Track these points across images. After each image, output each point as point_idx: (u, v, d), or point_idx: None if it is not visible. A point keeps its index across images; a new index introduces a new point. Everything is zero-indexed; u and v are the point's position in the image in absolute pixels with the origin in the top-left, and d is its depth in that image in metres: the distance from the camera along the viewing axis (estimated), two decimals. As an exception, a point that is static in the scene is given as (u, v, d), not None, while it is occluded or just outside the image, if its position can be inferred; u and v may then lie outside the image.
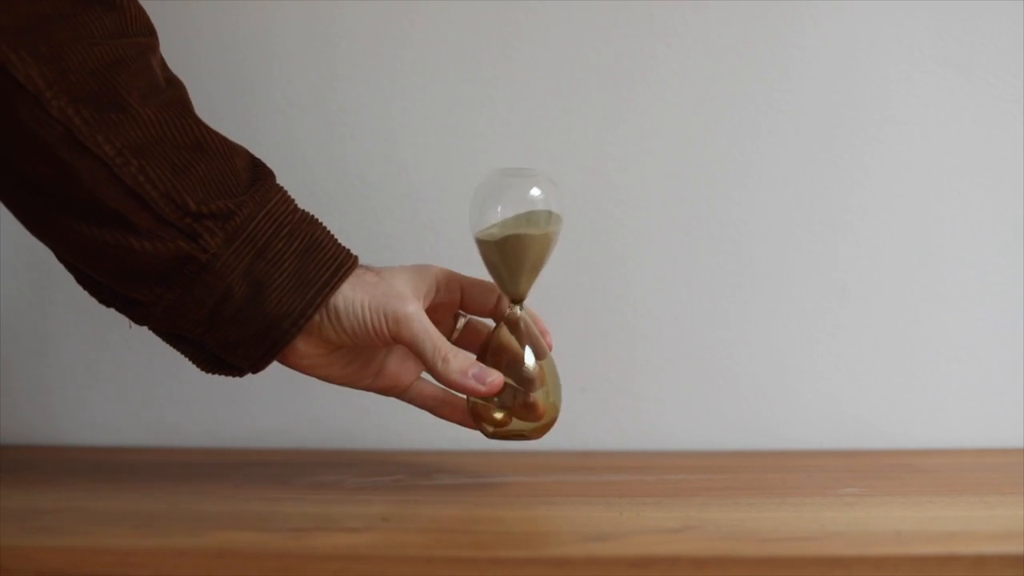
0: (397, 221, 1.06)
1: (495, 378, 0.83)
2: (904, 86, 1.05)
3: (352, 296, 0.82)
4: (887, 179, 1.05)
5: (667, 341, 1.06)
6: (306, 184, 1.06)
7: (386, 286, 0.83)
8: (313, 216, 0.84)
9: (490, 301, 0.89)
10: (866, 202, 1.05)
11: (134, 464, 0.99)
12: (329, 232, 0.84)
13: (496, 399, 0.84)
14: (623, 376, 1.06)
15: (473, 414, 0.86)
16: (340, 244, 0.84)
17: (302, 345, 0.83)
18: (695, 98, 1.05)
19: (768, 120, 1.05)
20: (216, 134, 0.82)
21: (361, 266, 0.84)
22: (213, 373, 0.85)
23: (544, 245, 0.85)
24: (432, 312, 0.87)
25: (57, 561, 0.70)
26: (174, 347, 0.85)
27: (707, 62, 1.05)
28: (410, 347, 0.83)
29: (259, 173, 0.84)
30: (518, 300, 0.86)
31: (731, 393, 1.06)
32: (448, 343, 0.83)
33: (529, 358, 0.85)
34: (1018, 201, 1.05)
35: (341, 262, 0.83)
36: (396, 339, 0.83)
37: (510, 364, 0.85)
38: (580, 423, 1.05)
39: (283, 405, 1.06)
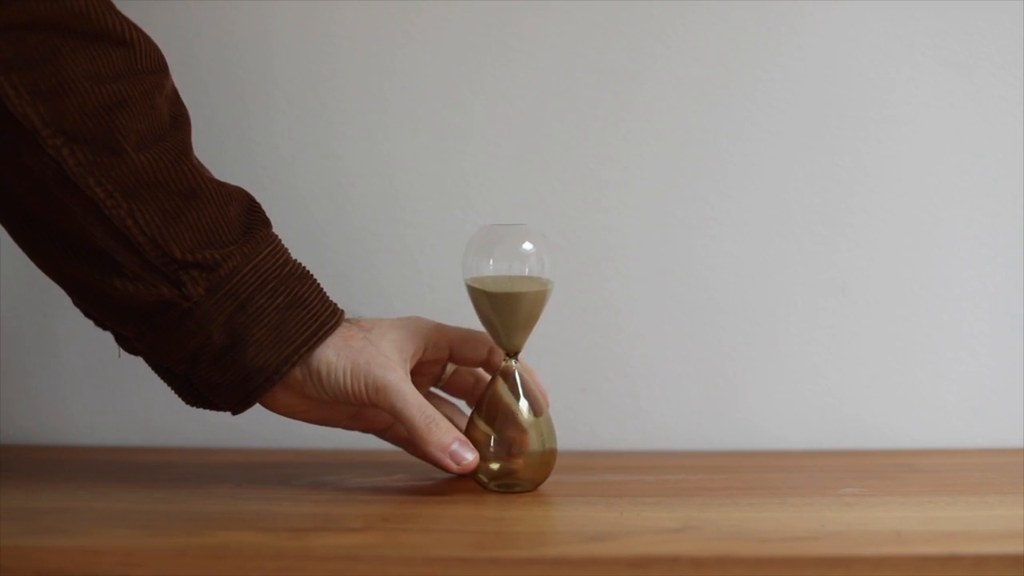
0: (384, 221, 1.06)
1: (471, 461, 0.84)
2: (904, 86, 1.05)
3: (335, 362, 0.83)
4: (887, 179, 1.05)
5: (667, 341, 1.06)
6: (294, 185, 1.06)
7: (371, 351, 0.84)
8: (304, 270, 0.85)
9: (480, 353, 0.89)
10: (866, 202, 1.05)
11: (134, 464, 0.99)
12: (317, 288, 0.84)
13: (492, 450, 0.85)
14: (623, 376, 1.06)
15: None
16: (327, 301, 0.84)
17: (282, 396, 0.84)
18: (695, 97, 1.05)
19: (768, 119, 1.05)
20: (212, 180, 0.82)
21: (347, 321, 0.85)
22: (197, 407, 0.86)
23: (537, 302, 0.85)
24: (419, 366, 0.88)
25: (57, 561, 0.70)
26: (162, 379, 0.85)
27: (707, 62, 1.05)
28: (391, 415, 0.84)
29: (254, 222, 0.84)
30: (513, 353, 0.87)
31: (731, 393, 1.06)
32: (431, 412, 0.83)
33: (524, 411, 0.85)
34: (1018, 201, 1.05)
35: (323, 322, 0.83)
36: (376, 406, 0.84)
37: (505, 416, 0.85)
38: (580, 423, 1.06)
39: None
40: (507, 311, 0.85)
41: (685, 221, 1.06)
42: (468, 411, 0.93)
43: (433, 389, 0.92)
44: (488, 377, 0.90)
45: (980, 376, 1.06)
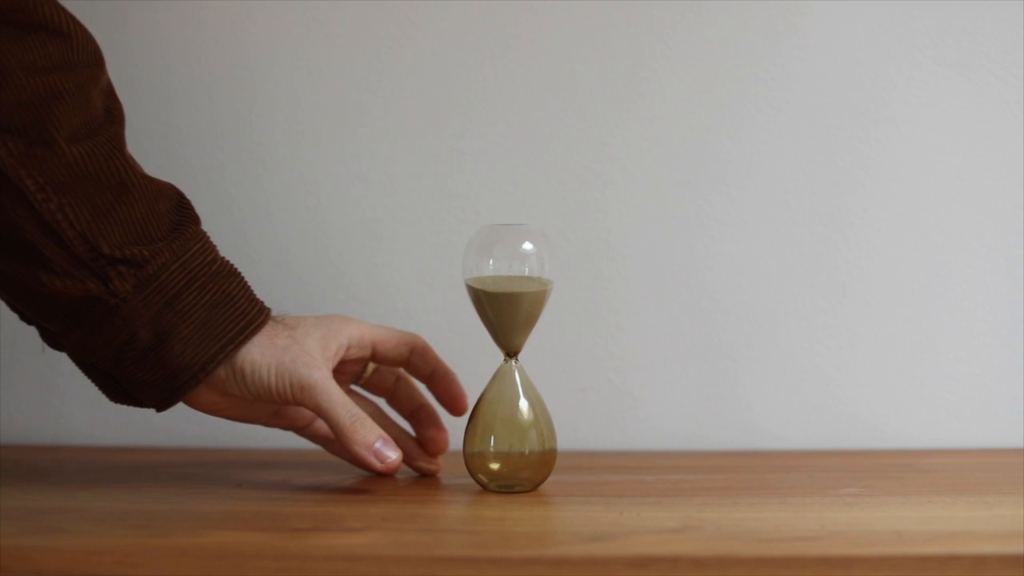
0: (383, 220, 1.06)
1: (394, 459, 0.84)
2: (904, 86, 1.05)
3: (260, 361, 0.82)
4: (887, 179, 1.05)
5: (667, 341, 1.06)
6: (292, 185, 1.06)
7: (296, 350, 0.83)
8: (232, 268, 0.84)
9: (402, 353, 0.89)
10: (866, 202, 1.05)
11: (134, 464, 0.99)
12: (245, 286, 0.84)
13: (491, 449, 0.84)
14: (623, 376, 1.06)
15: (469, 466, 0.86)
16: (254, 299, 0.84)
17: (204, 394, 0.84)
18: (695, 98, 1.05)
19: (768, 119, 1.05)
20: (143, 176, 0.82)
21: (274, 319, 0.85)
22: (121, 404, 0.86)
23: (537, 302, 0.85)
24: (340, 365, 0.88)
25: (57, 561, 0.70)
26: (86, 375, 0.85)
27: (707, 62, 1.05)
28: (316, 413, 0.84)
29: (184, 218, 0.83)
30: (512, 353, 0.87)
31: (731, 393, 1.06)
32: (356, 411, 0.83)
33: (524, 409, 0.85)
34: (1018, 201, 1.05)
35: (250, 320, 0.83)
36: (301, 404, 0.83)
37: (504, 415, 0.85)
38: (580, 423, 1.06)
39: (283, 405, 1.06)
40: (507, 311, 0.85)
41: (685, 221, 1.06)
42: (388, 410, 0.93)
43: (353, 387, 0.92)
44: (410, 377, 0.91)
45: (980, 376, 1.06)
